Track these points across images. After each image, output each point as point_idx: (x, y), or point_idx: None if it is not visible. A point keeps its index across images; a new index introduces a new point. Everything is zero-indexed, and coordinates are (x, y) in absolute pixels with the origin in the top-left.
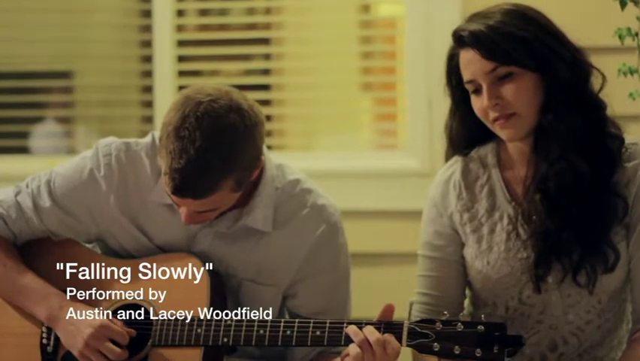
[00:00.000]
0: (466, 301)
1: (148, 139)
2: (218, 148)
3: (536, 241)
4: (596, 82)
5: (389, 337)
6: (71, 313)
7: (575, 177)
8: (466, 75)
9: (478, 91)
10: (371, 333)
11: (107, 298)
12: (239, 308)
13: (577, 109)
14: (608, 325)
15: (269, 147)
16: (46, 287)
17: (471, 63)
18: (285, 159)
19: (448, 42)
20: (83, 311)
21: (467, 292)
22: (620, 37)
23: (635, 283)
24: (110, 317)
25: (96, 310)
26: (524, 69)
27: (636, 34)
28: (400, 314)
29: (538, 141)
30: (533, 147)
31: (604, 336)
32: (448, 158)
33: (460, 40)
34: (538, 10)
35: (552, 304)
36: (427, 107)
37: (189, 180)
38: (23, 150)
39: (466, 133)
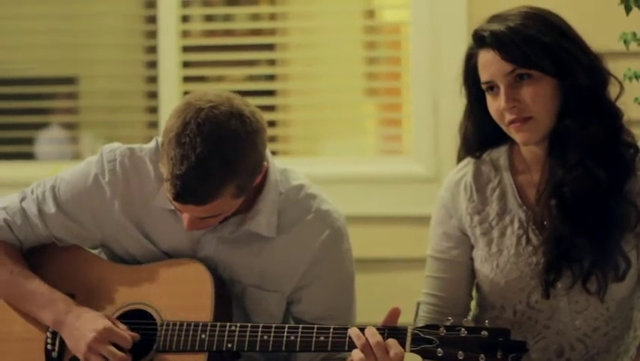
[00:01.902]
0: (472, 303)
1: (152, 144)
2: (220, 154)
3: (548, 246)
4: (612, 90)
5: (392, 342)
6: (76, 317)
7: (592, 183)
8: (484, 76)
9: (495, 92)
10: (372, 335)
11: (112, 303)
12: (243, 314)
13: (594, 115)
14: (615, 332)
15: (273, 153)
16: (52, 292)
17: (490, 64)
18: (290, 165)
19: (453, 47)
20: (88, 316)
21: (474, 293)
22: (626, 42)
23: None
24: (115, 322)
25: (101, 315)
26: (543, 73)
27: None
28: (404, 319)
29: (554, 146)
30: (548, 152)
31: (610, 343)
32: (460, 158)
33: (481, 40)
34: (559, 15)
35: (560, 309)
36: (431, 112)
37: (190, 187)
38: (28, 156)
39: (480, 134)
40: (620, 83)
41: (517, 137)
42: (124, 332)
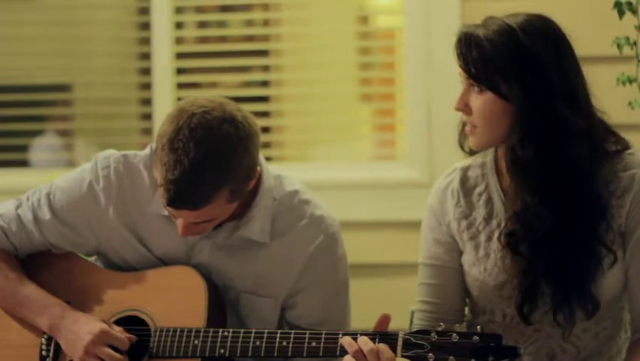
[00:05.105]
0: (466, 309)
1: (146, 151)
2: (212, 159)
3: (519, 279)
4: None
5: (383, 347)
6: (72, 321)
7: (538, 224)
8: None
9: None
10: (365, 343)
11: (107, 309)
12: (238, 320)
13: (553, 143)
14: (606, 333)
15: (268, 158)
16: (48, 297)
17: (458, 60)
18: (284, 170)
19: (447, 53)
20: (84, 319)
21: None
22: (619, 46)
23: (633, 292)
24: (110, 325)
25: (96, 318)
26: (495, 95)
27: (634, 44)
28: (398, 325)
29: (513, 170)
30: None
31: (602, 344)
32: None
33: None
34: (537, 34)
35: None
36: (425, 117)
37: (184, 192)
38: (23, 164)
39: None
40: (600, 112)
41: (469, 139)
42: (120, 333)
